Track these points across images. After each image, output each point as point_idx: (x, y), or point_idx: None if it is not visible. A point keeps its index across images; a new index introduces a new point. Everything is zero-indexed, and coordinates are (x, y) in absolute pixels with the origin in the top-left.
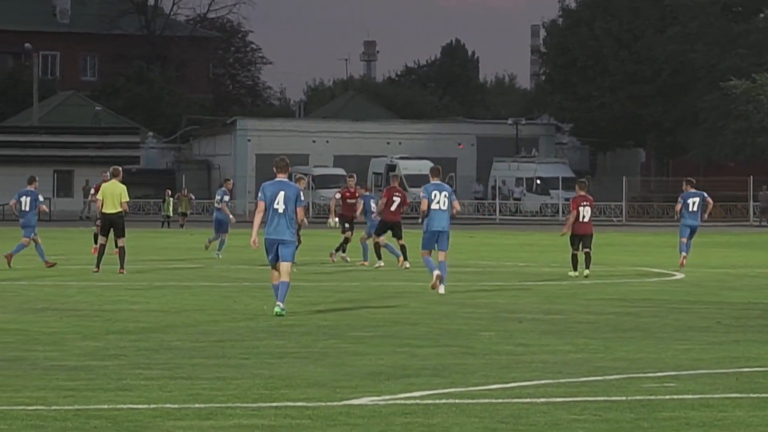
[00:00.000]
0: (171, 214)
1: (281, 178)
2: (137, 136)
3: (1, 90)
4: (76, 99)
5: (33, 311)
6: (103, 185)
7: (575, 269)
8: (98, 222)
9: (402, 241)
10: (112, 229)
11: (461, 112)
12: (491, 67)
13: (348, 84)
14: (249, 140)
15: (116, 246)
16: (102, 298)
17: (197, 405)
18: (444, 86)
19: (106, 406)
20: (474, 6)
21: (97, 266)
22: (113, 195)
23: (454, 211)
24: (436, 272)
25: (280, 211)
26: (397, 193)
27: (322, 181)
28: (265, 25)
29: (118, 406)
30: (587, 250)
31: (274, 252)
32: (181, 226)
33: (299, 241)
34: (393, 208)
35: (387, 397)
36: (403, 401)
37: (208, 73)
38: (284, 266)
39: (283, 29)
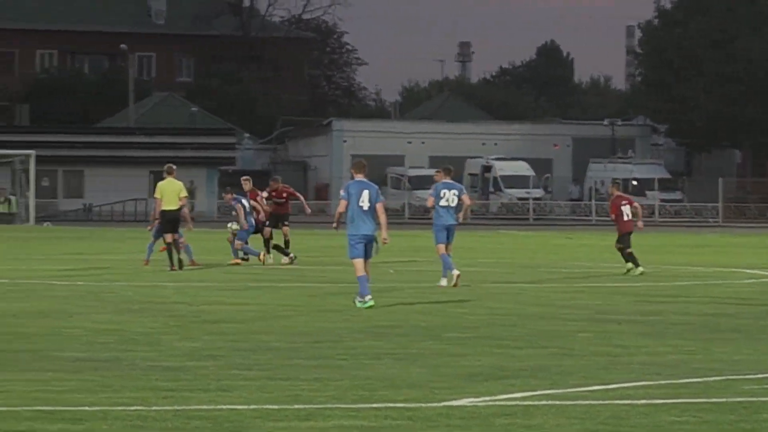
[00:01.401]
0: None
1: (360, 178)
2: (233, 137)
3: (97, 91)
4: (172, 100)
5: (130, 312)
6: (160, 183)
7: (638, 265)
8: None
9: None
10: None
11: (557, 113)
12: (586, 68)
13: (443, 85)
14: (345, 141)
15: (164, 242)
16: (198, 299)
17: (297, 406)
18: (539, 87)
19: (206, 407)
20: (569, 7)
21: (172, 265)
22: (172, 192)
23: (466, 204)
24: (456, 272)
25: (365, 208)
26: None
27: (418, 182)
28: (360, 26)
29: (218, 407)
30: (620, 245)
31: (361, 247)
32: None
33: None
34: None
35: (486, 398)
36: (502, 402)
37: (304, 74)
38: (367, 262)
39: (379, 30)
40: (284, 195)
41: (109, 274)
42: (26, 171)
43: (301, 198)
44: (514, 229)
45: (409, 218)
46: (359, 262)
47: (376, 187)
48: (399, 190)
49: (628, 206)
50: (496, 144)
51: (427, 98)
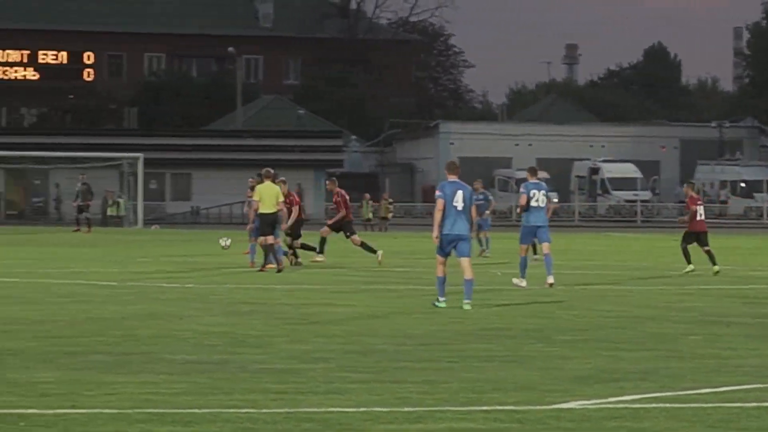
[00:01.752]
0: (370, 218)
1: (453, 178)
2: (340, 139)
3: (205, 94)
4: (279, 102)
5: (239, 314)
6: (259, 187)
7: (690, 263)
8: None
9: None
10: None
11: (664, 114)
12: (693, 70)
13: (550, 87)
14: (452, 143)
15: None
16: (307, 301)
17: (406, 408)
18: (646, 89)
19: (316, 409)
20: (676, 8)
21: (279, 264)
22: (270, 195)
23: (550, 208)
24: (524, 283)
25: (459, 208)
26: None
27: None
28: (467, 29)
29: (328, 409)
30: (707, 248)
31: (451, 247)
32: (381, 230)
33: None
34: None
35: (596, 400)
36: (612, 405)
37: (411, 76)
38: (465, 262)
39: (485, 32)
40: (336, 199)
41: (217, 276)
42: (134, 174)
43: (339, 215)
44: (622, 231)
45: (516, 220)
46: (442, 261)
47: (470, 187)
48: (506, 192)
49: (702, 207)
50: (603, 146)
51: (534, 100)
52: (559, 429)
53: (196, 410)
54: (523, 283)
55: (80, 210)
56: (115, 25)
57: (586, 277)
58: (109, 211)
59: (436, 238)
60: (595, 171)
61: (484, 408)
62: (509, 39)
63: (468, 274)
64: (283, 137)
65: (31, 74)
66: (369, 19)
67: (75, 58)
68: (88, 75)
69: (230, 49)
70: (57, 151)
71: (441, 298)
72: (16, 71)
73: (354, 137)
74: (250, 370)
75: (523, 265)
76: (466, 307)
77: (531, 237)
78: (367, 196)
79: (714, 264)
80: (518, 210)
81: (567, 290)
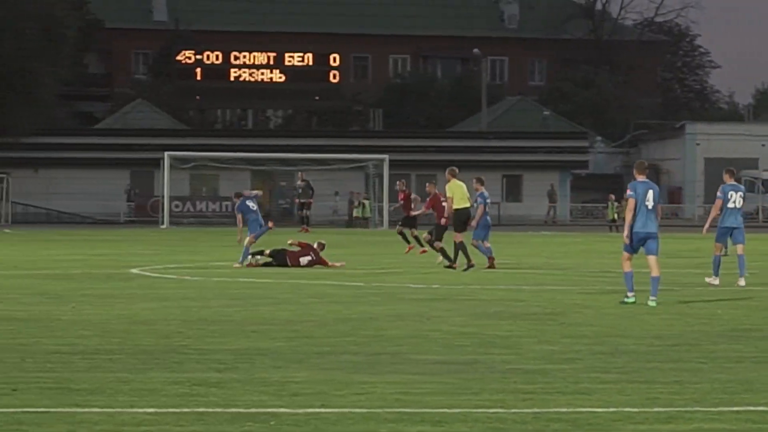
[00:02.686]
0: (615, 218)
1: (642, 179)
2: (585, 140)
3: (450, 95)
4: (524, 104)
5: (487, 315)
6: (449, 185)
7: None
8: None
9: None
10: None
11: None
12: None
13: None
14: (698, 144)
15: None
16: (554, 302)
17: (656, 409)
18: None
19: (564, 410)
20: None
21: (453, 262)
22: (462, 192)
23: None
24: (716, 281)
25: (650, 207)
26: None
27: None
28: (713, 29)
29: (577, 410)
30: None
31: (640, 245)
32: None
33: None
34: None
35: None
36: None
37: (656, 77)
38: (653, 260)
39: (731, 33)
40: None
41: (463, 276)
42: (380, 175)
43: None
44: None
45: (762, 221)
46: (628, 257)
47: (657, 187)
48: (753, 194)
49: None
50: None
51: None
52: None
53: (446, 410)
54: (716, 281)
55: (301, 207)
56: (361, 27)
57: None
58: (355, 213)
59: (627, 237)
60: None
61: (735, 409)
62: (755, 39)
63: (655, 272)
64: (528, 138)
65: (277, 76)
66: (614, 20)
67: (321, 60)
68: (334, 77)
69: (475, 50)
70: (302, 153)
71: (630, 294)
72: (262, 73)
73: (599, 138)
74: (499, 371)
75: (717, 264)
76: (651, 303)
77: (726, 237)
78: (612, 197)
79: None
80: (713, 214)
81: None
